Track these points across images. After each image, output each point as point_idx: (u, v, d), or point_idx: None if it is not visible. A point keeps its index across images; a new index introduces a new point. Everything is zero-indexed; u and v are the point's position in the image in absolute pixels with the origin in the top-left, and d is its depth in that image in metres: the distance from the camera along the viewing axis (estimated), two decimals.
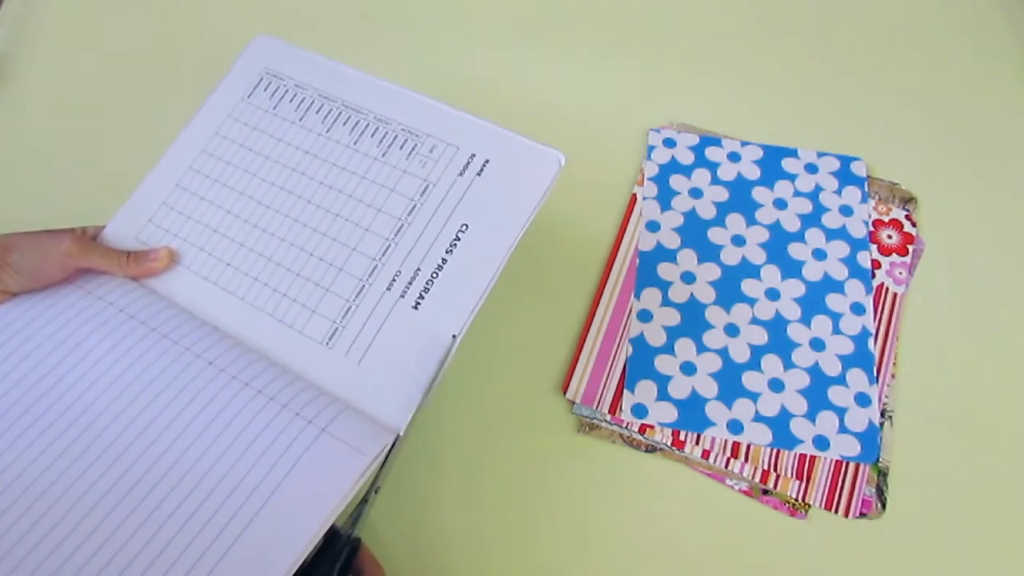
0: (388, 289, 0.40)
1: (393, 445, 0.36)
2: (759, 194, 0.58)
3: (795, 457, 0.47)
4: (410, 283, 0.40)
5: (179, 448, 0.35)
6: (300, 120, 0.46)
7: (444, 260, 0.40)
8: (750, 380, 0.50)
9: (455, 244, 0.40)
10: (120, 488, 0.34)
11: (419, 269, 0.40)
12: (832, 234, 0.56)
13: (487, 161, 0.42)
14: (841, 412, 0.49)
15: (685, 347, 0.51)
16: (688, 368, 0.50)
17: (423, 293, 0.39)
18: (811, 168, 0.59)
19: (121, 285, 0.42)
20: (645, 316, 0.52)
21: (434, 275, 0.40)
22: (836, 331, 0.52)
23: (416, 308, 0.39)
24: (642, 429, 0.48)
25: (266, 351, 0.40)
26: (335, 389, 0.38)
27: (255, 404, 0.36)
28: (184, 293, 0.42)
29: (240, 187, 0.44)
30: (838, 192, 0.58)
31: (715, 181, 0.58)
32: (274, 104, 0.46)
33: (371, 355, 0.39)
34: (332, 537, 0.37)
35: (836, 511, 0.46)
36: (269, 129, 0.46)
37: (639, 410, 0.49)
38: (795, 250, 0.55)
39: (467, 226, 0.40)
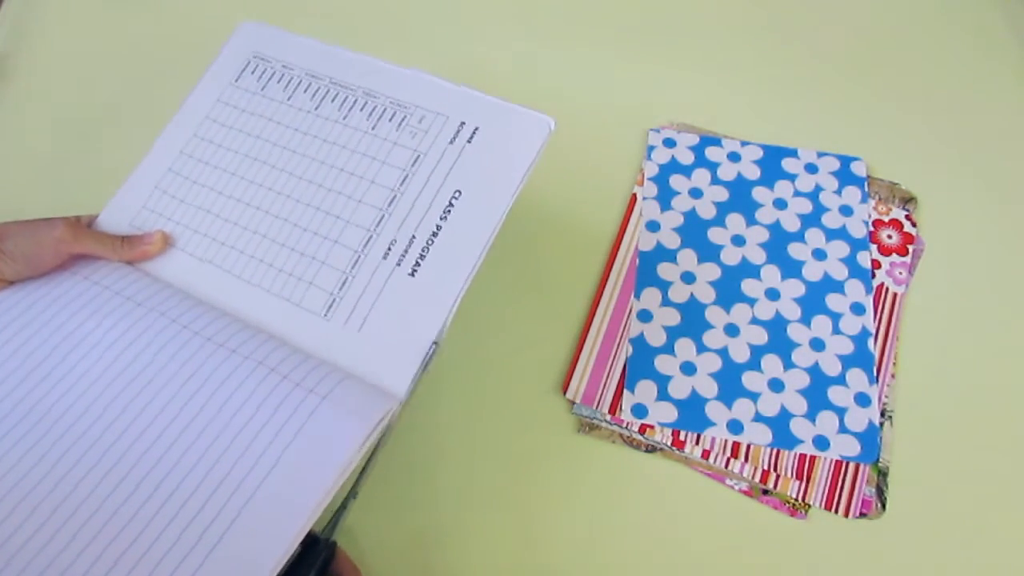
0: (384, 258, 0.40)
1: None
2: (759, 194, 0.58)
3: (795, 457, 0.47)
4: (406, 251, 0.40)
5: (181, 423, 0.35)
6: (288, 99, 0.45)
7: (439, 227, 0.40)
8: (750, 380, 0.50)
9: (449, 211, 0.40)
10: (122, 467, 0.34)
11: (414, 237, 0.40)
12: (832, 234, 0.56)
13: (477, 128, 0.42)
14: (841, 412, 0.49)
15: (685, 347, 0.51)
16: (688, 368, 0.50)
17: (419, 260, 0.39)
18: (811, 168, 0.59)
19: (116, 269, 0.42)
20: (645, 316, 0.52)
21: (429, 242, 0.40)
22: (836, 331, 0.52)
23: (413, 275, 0.39)
24: (642, 429, 0.48)
25: (264, 326, 0.40)
26: (335, 359, 0.38)
27: (256, 375, 0.36)
28: (180, 274, 0.42)
29: (232, 168, 0.44)
30: (838, 192, 0.58)
31: (715, 181, 0.58)
32: (262, 86, 0.46)
33: (370, 324, 0.39)
34: (310, 543, 0.36)
35: (836, 511, 0.46)
36: (258, 110, 0.46)
37: (639, 410, 0.49)
38: (795, 250, 0.55)
39: (460, 192, 0.40)
